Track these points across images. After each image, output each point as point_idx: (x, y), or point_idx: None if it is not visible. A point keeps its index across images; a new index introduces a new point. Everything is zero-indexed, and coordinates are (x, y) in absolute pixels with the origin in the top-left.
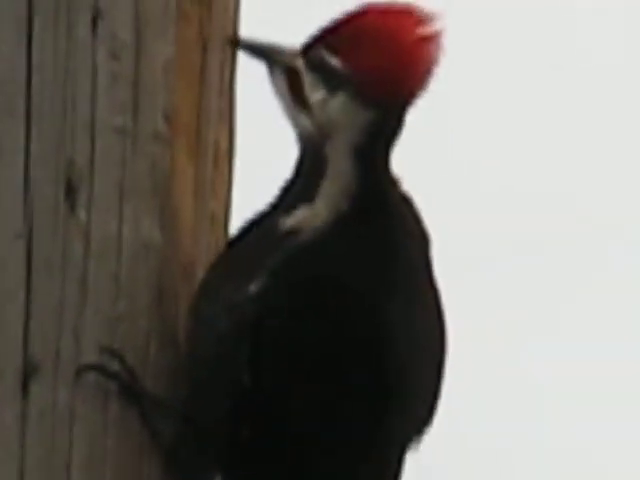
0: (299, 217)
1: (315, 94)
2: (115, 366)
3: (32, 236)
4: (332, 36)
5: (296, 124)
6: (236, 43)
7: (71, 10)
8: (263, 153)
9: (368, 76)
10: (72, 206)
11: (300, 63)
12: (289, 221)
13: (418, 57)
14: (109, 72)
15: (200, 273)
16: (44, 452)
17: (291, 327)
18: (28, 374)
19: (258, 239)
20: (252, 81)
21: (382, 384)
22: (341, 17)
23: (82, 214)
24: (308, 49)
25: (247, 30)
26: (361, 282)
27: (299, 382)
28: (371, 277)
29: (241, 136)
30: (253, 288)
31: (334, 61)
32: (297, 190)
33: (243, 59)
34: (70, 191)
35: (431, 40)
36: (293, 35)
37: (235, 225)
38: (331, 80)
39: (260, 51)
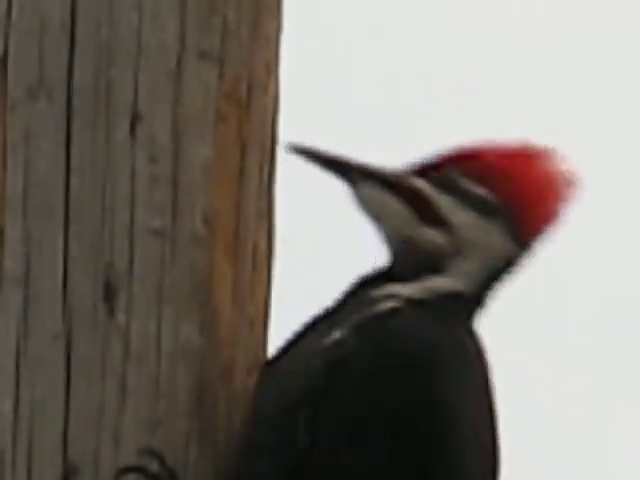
0: (395, 289)
1: (460, 215)
2: (155, 467)
3: (71, 337)
4: (471, 165)
5: (418, 234)
6: (304, 153)
7: (110, 113)
8: (303, 253)
9: (524, 213)
10: (111, 308)
11: (421, 183)
12: (386, 290)
13: (561, 199)
14: (148, 175)
15: (239, 375)
16: None
17: (363, 383)
18: (67, 477)
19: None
20: (291, 182)
21: (443, 463)
22: (471, 147)
23: (121, 316)
24: (427, 171)
25: (285, 132)
26: (444, 362)
27: (357, 444)
28: (454, 363)
29: (280, 237)
30: (335, 335)
31: (481, 190)
32: (383, 276)
33: (282, 160)
34: (109, 293)
35: (570, 184)
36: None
37: (275, 326)
38: (480, 207)
39: (341, 165)
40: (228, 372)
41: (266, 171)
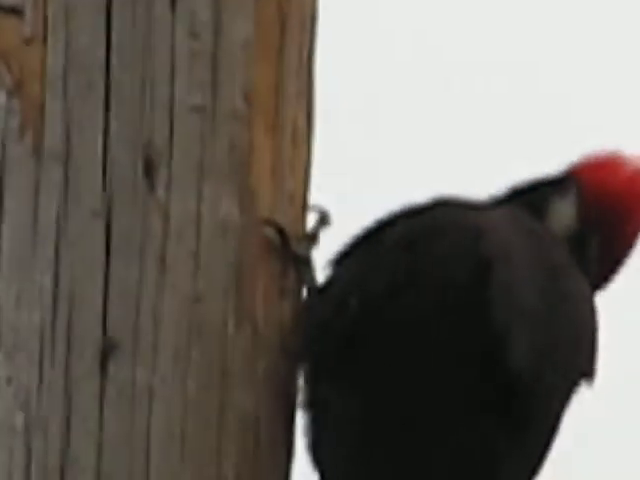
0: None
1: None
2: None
3: (111, 214)
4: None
5: None
6: None
7: None
8: (341, 133)
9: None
10: (151, 185)
11: None
12: None
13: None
14: (188, 51)
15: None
16: (122, 431)
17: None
18: (107, 352)
19: None
20: (331, 61)
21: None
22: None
23: (161, 192)
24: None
25: (324, 7)
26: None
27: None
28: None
29: (319, 116)
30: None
31: None
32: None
33: (322, 38)
34: (149, 170)
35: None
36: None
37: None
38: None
39: None
40: (267, 248)
41: (306, 49)
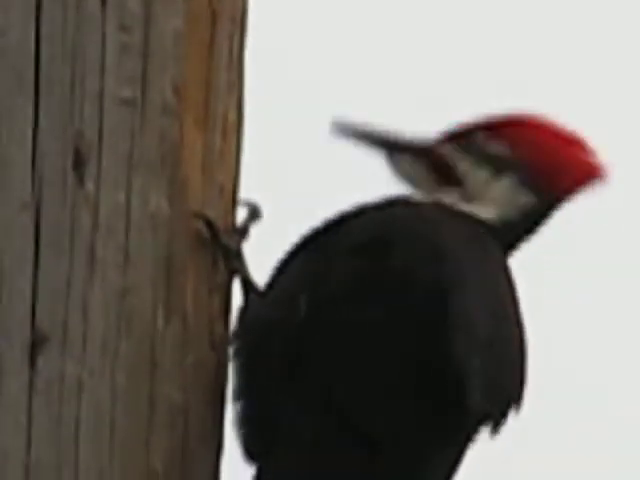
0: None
1: (474, 173)
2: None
3: (40, 207)
4: (492, 129)
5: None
6: (344, 131)
7: None
8: (271, 126)
9: (540, 166)
10: (80, 178)
11: (448, 149)
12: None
13: (580, 158)
14: (118, 44)
15: (208, 245)
16: (51, 423)
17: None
18: (36, 345)
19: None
20: (260, 54)
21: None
22: (492, 118)
23: (90, 186)
24: (456, 138)
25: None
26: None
27: (353, 305)
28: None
29: (249, 108)
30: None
31: (499, 148)
32: None
33: (252, 32)
34: (78, 163)
35: (591, 152)
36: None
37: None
38: (496, 163)
39: (383, 142)
40: (197, 241)
41: (236, 42)
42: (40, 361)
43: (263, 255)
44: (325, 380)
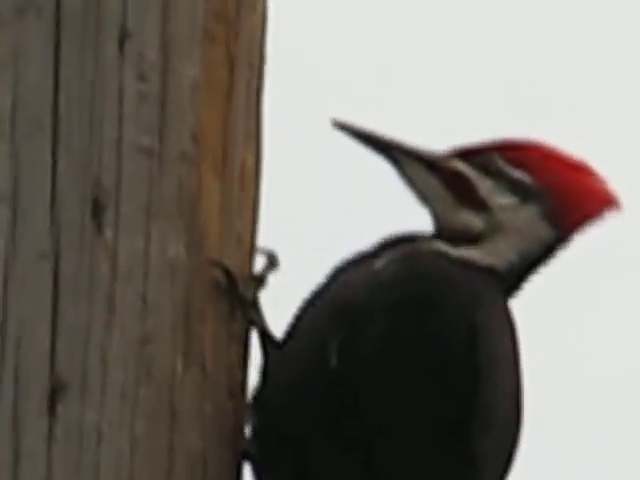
0: (438, 244)
1: (497, 198)
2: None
3: (59, 255)
4: (511, 153)
5: (454, 218)
6: (348, 130)
7: (99, 30)
8: (290, 174)
9: (561, 198)
10: (99, 225)
11: (463, 166)
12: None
13: (598, 188)
14: (136, 92)
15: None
16: (71, 472)
17: (400, 307)
18: (55, 393)
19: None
20: (280, 102)
21: (473, 396)
22: (507, 142)
23: (109, 233)
24: (469, 154)
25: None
26: (485, 303)
27: (389, 368)
28: (492, 312)
29: (269, 156)
30: (377, 265)
31: (521, 174)
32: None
33: (270, 79)
34: (97, 210)
35: (604, 181)
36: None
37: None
38: (519, 191)
39: (385, 145)
40: (215, 289)
41: (254, 90)
42: (59, 409)
43: (281, 305)
44: (365, 438)
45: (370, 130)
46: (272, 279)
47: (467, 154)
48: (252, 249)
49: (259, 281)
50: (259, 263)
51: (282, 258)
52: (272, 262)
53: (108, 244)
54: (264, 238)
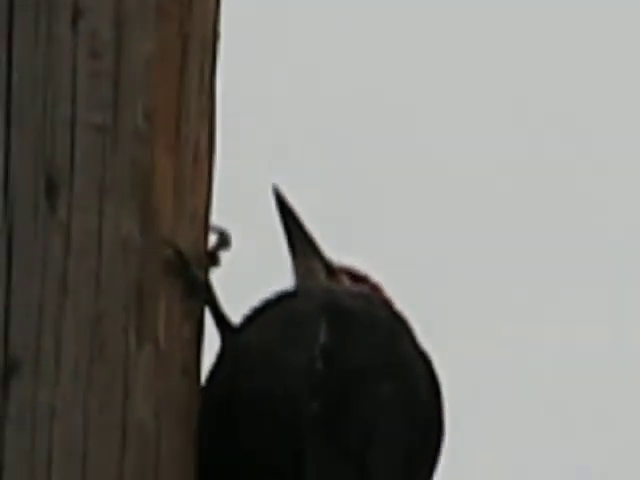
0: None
1: None
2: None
3: (12, 233)
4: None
5: None
6: (280, 203)
7: (51, 8)
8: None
9: None
10: (52, 204)
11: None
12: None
13: None
14: (89, 70)
15: None
16: (23, 451)
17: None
18: (8, 371)
19: None
20: (233, 80)
21: None
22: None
23: (62, 212)
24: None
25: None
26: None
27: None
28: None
29: (221, 134)
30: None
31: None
32: None
33: (224, 57)
34: (50, 189)
35: None
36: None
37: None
38: None
39: (295, 236)
40: (168, 267)
41: (207, 68)
42: (13, 388)
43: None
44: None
45: (297, 214)
46: (225, 258)
47: (355, 278)
48: (206, 227)
49: (211, 259)
50: (212, 241)
51: (235, 237)
52: (224, 241)
53: (61, 222)
54: (217, 216)
